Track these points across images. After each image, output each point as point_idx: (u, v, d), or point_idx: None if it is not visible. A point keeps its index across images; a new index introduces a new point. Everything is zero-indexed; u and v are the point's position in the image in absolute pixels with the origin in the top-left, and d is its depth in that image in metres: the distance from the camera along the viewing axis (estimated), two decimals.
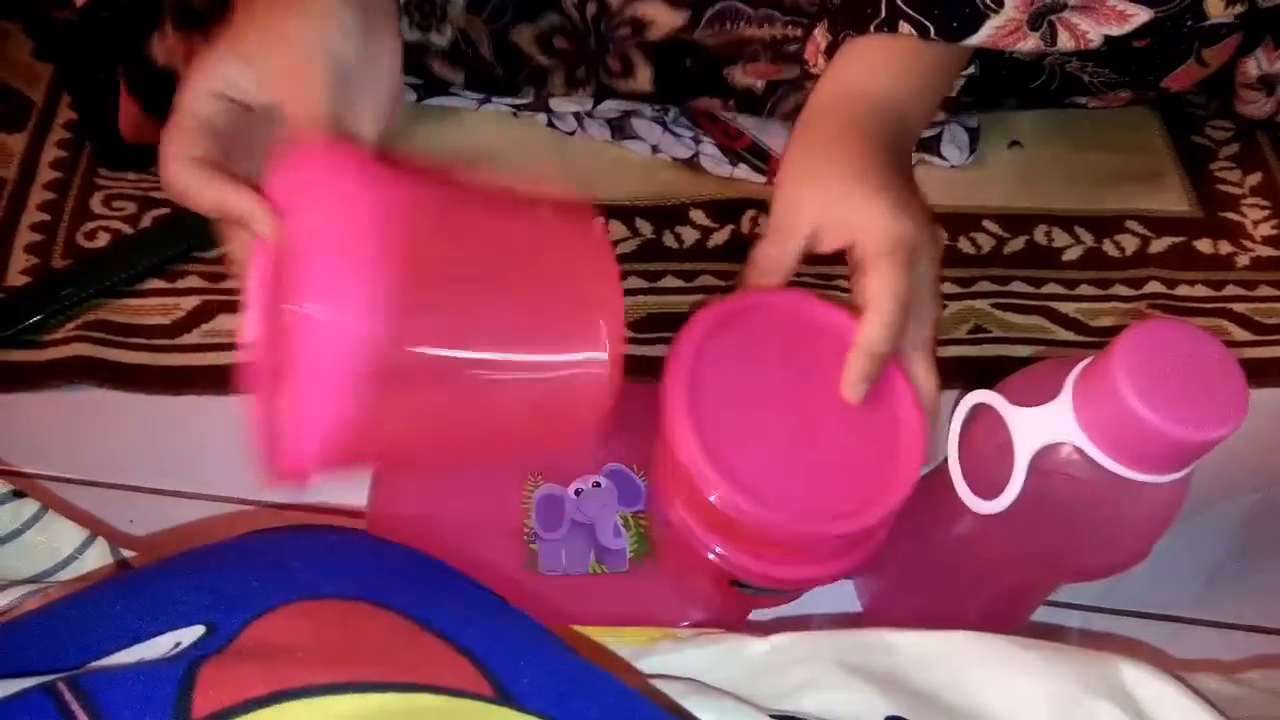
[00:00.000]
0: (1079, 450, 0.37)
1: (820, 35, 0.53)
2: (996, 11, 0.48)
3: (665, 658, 0.40)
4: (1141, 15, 0.49)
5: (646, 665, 0.39)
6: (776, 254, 0.46)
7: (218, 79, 0.41)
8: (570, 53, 0.61)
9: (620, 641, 0.41)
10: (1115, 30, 0.49)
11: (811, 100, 0.49)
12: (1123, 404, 0.34)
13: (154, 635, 0.29)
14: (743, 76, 0.62)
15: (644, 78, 0.63)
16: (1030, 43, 0.49)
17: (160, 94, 0.58)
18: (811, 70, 0.53)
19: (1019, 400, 0.38)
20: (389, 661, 0.28)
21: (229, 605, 0.30)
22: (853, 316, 0.44)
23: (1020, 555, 0.42)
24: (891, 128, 0.48)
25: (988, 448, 0.39)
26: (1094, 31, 0.49)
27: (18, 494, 0.44)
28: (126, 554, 0.44)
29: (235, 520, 0.53)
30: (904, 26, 0.48)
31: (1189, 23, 0.50)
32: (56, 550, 0.43)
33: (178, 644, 0.29)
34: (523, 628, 0.32)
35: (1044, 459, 0.38)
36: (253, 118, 0.42)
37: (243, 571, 0.32)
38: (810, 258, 0.64)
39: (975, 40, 0.49)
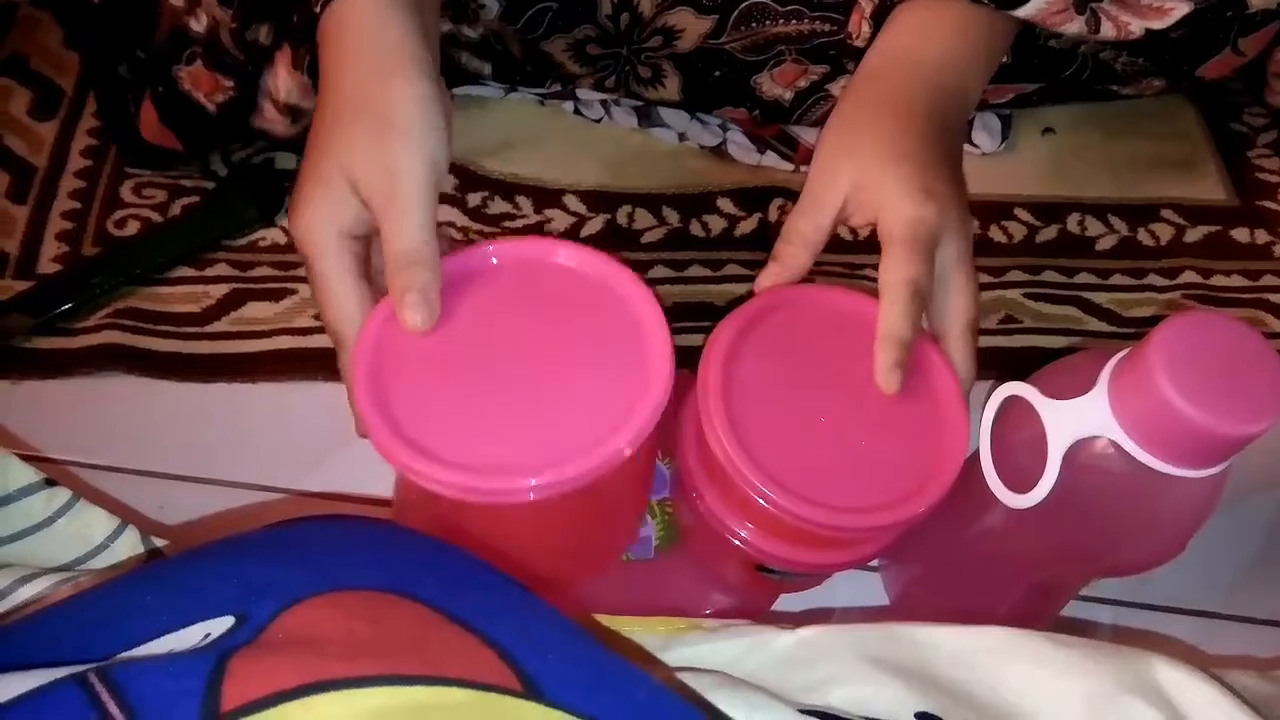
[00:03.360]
0: (1114, 444, 0.36)
1: (865, 1, 0.52)
2: None
3: (693, 649, 0.39)
4: (1181, 8, 0.48)
5: (674, 657, 0.39)
6: (807, 227, 0.45)
7: (335, 222, 0.42)
8: (601, 60, 0.61)
9: (648, 632, 0.40)
10: (1156, 24, 0.48)
11: (862, 66, 0.48)
12: (1160, 397, 0.34)
13: (184, 626, 0.30)
14: (770, 86, 0.62)
15: (673, 87, 0.63)
16: (1075, 26, 0.48)
17: (178, 112, 0.58)
18: (853, 42, 0.52)
19: (1053, 392, 0.38)
20: (417, 654, 0.28)
21: (258, 596, 0.30)
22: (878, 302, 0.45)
23: (1053, 550, 0.41)
24: (946, 94, 0.47)
25: (1020, 441, 0.39)
26: (1135, 23, 0.48)
27: (50, 483, 0.44)
28: (158, 542, 0.44)
29: (265, 508, 0.53)
30: None
31: (1229, 13, 0.49)
32: (88, 538, 0.43)
33: (207, 635, 0.29)
34: (550, 620, 0.32)
35: (1078, 452, 0.37)
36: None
37: (272, 562, 0.32)
38: (835, 245, 0.63)
39: (1024, 12, 0.47)
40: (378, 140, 0.41)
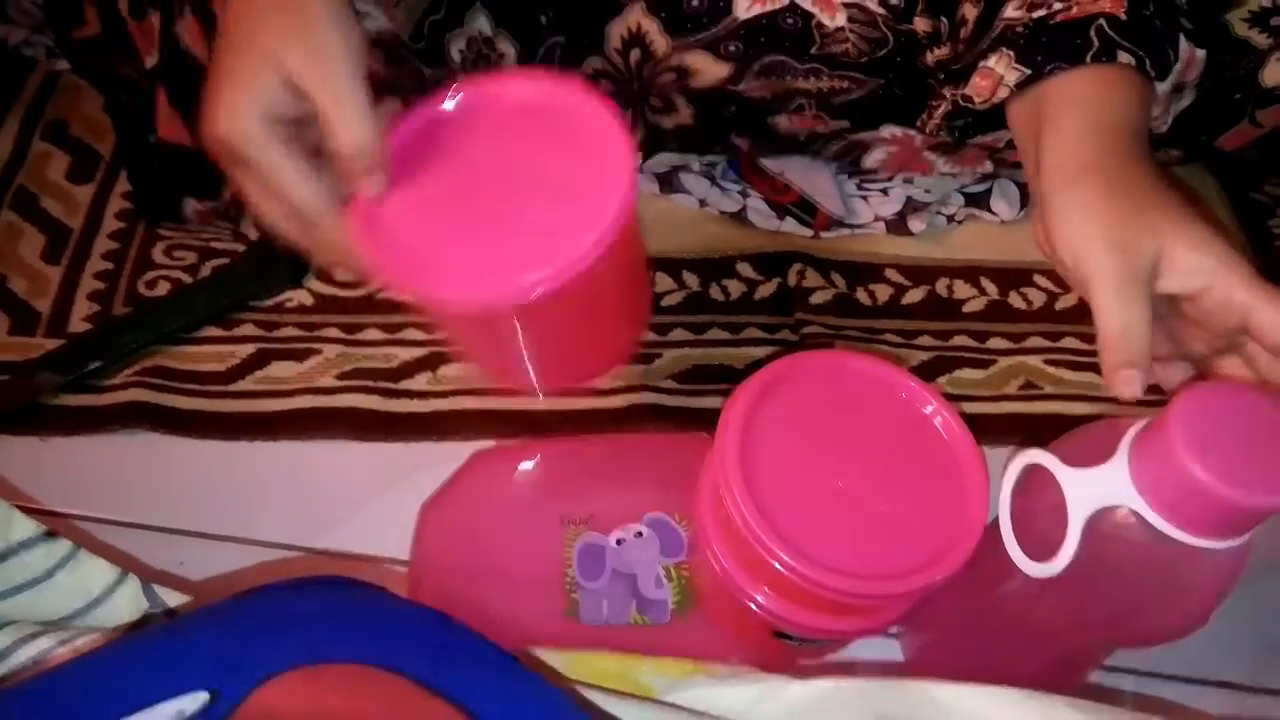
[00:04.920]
0: (1135, 514, 0.36)
1: (1003, 69, 0.48)
2: (1176, 57, 0.47)
3: (703, 691, 0.39)
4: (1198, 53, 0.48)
5: (683, 698, 0.39)
6: (1132, 316, 0.41)
7: (268, 108, 0.41)
8: (612, 95, 0.62)
9: (656, 673, 0.40)
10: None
11: (1066, 145, 0.44)
12: (1181, 467, 0.34)
13: (156, 702, 0.29)
14: (787, 125, 0.63)
15: (685, 114, 0.63)
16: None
17: (185, 83, 0.58)
18: (977, 105, 0.50)
19: (1073, 460, 0.38)
20: None
21: (233, 670, 0.29)
22: (900, 371, 0.45)
23: (1073, 620, 0.41)
24: (1150, 160, 0.44)
25: (1041, 509, 0.39)
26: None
27: (50, 535, 0.44)
28: (168, 597, 0.43)
29: (284, 566, 0.53)
30: (1122, 56, 0.45)
31: (1238, 95, 0.49)
32: (88, 590, 0.43)
33: (180, 711, 0.29)
34: (537, 691, 0.31)
35: (1099, 522, 0.37)
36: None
37: (248, 633, 0.31)
38: (853, 310, 0.63)
39: (1164, 86, 0.47)
40: (304, 26, 0.41)
